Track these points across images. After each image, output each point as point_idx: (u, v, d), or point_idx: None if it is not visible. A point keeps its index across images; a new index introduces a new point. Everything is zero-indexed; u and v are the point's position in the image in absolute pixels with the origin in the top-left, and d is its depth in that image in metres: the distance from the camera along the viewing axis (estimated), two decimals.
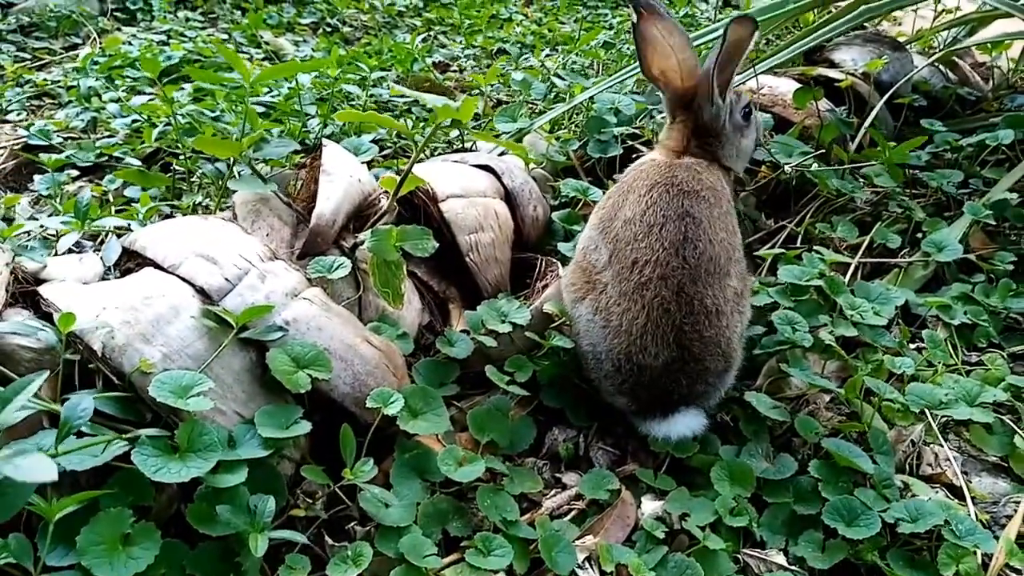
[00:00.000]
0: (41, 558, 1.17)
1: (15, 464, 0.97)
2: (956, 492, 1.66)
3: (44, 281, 1.59)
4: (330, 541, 1.42)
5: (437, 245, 1.72)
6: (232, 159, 1.96)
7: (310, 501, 1.45)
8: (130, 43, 3.98)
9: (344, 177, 1.80)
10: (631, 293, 1.60)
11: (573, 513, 1.57)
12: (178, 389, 1.33)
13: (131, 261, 1.69)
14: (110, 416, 1.36)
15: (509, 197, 2.12)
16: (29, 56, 3.98)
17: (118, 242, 1.71)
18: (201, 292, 1.53)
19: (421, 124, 2.76)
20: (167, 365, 1.39)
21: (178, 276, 1.54)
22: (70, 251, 1.94)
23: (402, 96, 2.90)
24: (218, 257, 1.58)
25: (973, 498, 1.64)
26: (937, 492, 1.65)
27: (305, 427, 1.42)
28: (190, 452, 1.28)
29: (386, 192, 1.85)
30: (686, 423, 1.65)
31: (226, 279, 1.55)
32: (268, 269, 1.60)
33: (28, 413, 1.18)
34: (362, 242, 1.70)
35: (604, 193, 1.96)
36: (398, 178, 1.80)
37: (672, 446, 1.67)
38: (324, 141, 1.89)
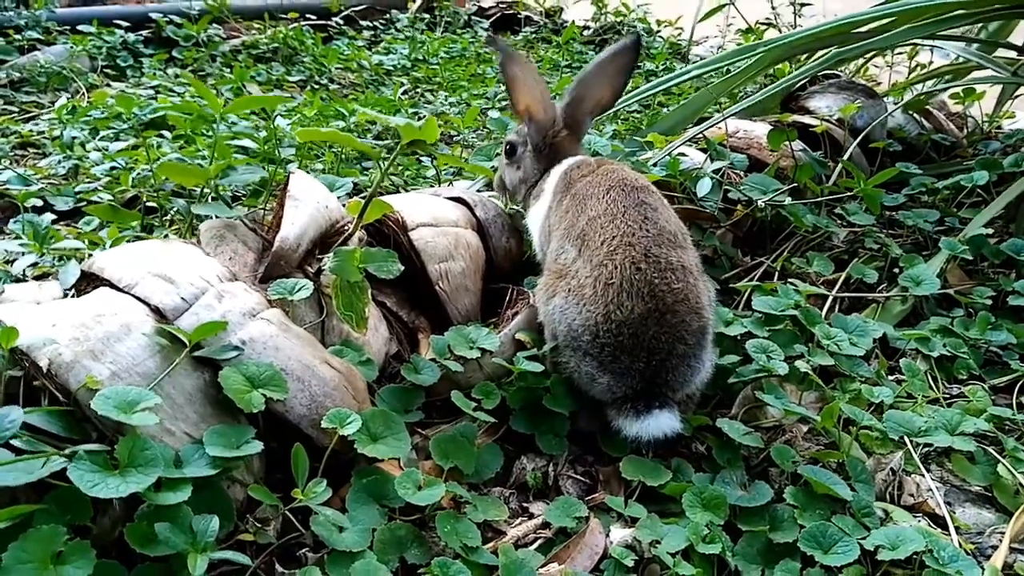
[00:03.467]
0: None
1: None
2: (939, 522, 1.60)
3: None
4: (280, 569, 1.35)
5: (402, 268, 1.69)
6: (201, 190, 1.95)
7: (260, 526, 1.38)
8: None
9: (310, 203, 1.78)
10: (603, 259, 1.70)
11: (539, 542, 1.50)
12: (123, 404, 1.27)
13: (90, 285, 1.65)
14: (54, 435, 1.30)
15: (481, 228, 2.10)
16: (16, 109, 4.01)
17: (77, 265, 1.68)
18: (156, 311, 1.48)
19: (398, 167, 2.77)
20: (115, 383, 1.34)
21: (133, 295, 1.50)
22: (30, 275, 1.91)
23: (373, 123, 2.90)
24: (176, 277, 1.54)
25: (957, 528, 1.58)
26: (919, 521, 1.59)
27: (256, 447, 1.36)
28: (130, 467, 1.22)
29: (353, 219, 1.83)
30: (662, 423, 1.62)
31: (182, 298, 1.51)
32: (226, 289, 1.56)
33: None
34: (326, 265, 1.67)
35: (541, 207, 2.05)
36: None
37: (637, 471, 1.62)
38: (292, 169, 1.88)
